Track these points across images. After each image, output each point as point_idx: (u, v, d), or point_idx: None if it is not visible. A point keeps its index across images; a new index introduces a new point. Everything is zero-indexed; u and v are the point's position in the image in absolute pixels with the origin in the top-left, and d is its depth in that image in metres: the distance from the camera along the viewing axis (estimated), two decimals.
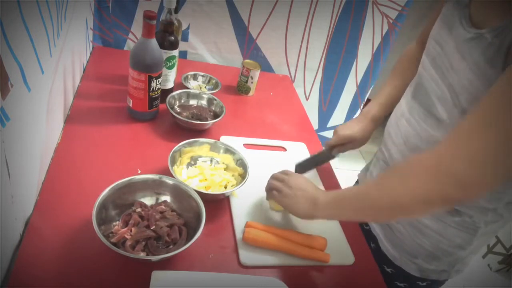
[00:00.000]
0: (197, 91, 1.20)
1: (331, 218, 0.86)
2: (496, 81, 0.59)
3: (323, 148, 1.04)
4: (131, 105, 1.06)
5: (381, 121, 0.98)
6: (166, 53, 1.07)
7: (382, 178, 0.72)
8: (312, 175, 1.08)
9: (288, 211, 0.83)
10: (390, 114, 0.96)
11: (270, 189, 0.85)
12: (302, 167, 1.01)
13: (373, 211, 0.71)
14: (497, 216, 0.78)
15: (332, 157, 1.03)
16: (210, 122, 1.10)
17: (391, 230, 0.90)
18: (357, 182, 1.10)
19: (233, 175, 0.96)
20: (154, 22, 0.94)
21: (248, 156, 0.98)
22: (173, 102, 1.13)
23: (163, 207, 0.80)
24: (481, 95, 0.63)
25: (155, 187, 0.83)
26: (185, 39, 1.47)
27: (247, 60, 1.39)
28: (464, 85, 0.68)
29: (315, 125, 1.82)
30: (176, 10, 1.15)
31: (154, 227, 0.75)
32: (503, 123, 0.55)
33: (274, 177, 0.86)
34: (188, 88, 1.24)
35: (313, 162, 1.04)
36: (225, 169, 0.98)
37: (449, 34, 0.74)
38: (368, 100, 1.27)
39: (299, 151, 1.17)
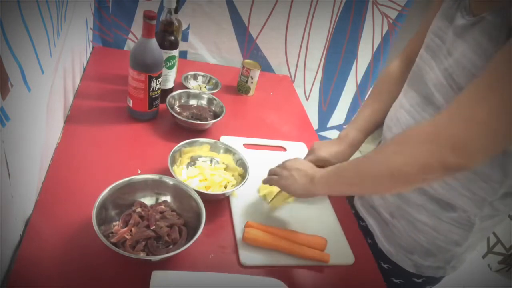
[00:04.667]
0: (197, 91, 1.20)
1: (329, 192, 0.85)
2: (495, 53, 0.59)
3: None
4: (131, 105, 1.06)
5: (359, 145, 0.95)
6: (166, 53, 1.07)
7: (380, 148, 0.70)
8: None
9: (287, 192, 0.84)
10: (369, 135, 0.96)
11: (270, 176, 0.87)
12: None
13: (371, 182, 0.70)
14: (493, 210, 0.78)
15: None
16: (210, 122, 1.10)
17: (387, 226, 0.90)
18: None
19: (233, 175, 0.96)
20: (154, 22, 0.94)
21: (248, 156, 0.98)
22: (173, 102, 1.13)
23: (163, 207, 0.80)
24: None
25: (155, 187, 0.83)
26: (185, 39, 1.47)
27: (247, 60, 1.39)
28: (464, 66, 0.68)
29: (315, 125, 1.82)
30: (176, 10, 1.15)
31: (154, 227, 0.75)
32: (503, 89, 0.55)
33: (272, 171, 0.89)
34: (188, 88, 1.24)
35: None
36: (225, 169, 0.98)
37: (448, 26, 0.75)
38: None
39: (299, 151, 1.17)
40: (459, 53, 0.70)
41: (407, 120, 0.82)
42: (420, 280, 0.90)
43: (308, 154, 0.97)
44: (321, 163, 0.93)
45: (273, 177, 0.86)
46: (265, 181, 0.89)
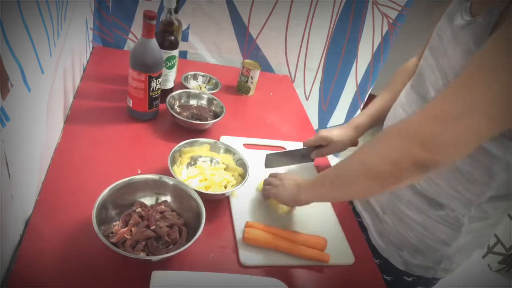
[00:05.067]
0: (197, 91, 1.20)
1: (316, 198, 0.83)
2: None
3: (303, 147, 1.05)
4: (131, 105, 1.06)
5: (364, 130, 0.99)
6: (166, 53, 1.07)
7: (359, 148, 0.71)
8: (311, 175, 1.07)
9: (277, 200, 0.88)
10: (378, 124, 0.98)
11: (265, 185, 0.92)
12: (273, 160, 0.97)
13: (350, 182, 0.71)
14: (481, 212, 0.78)
15: (310, 160, 1.04)
16: (210, 122, 1.10)
17: (379, 221, 0.91)
18: None
19: (233, 175, 0.96)
20: (154, 22, 0.94)
21: (248, 156, 0.98)
22: (173, 102, 1.13)
23: (163, 207, 0.80)
24: None
25: (155, 187, 0.83)
26: (185, 39, 1.47)
27: (247, 60, 1.39)
28: (454, 67, 0.70)
29: (315, 125, 1.82)
30: (176, 10, 1.15)
31: (154, 227, 0.75)
32: (475, 87, 0.55)
33: (269, 175, 0.94)
34: (188, 88, 1.24)
35: (288, 157, 0.99)
36: (225, 169, 0.98)
37: (449, 26, 0.75)
38: (370, 98, 1.28)
39: None
40: (452, 54, 0.71)
41: (401, 115, 0.83)
42: (410, 279, 0.90)
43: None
44: (324, 142, 1.00)
45: (267, 187, 0.91)
46: (263, 191, 0.94)
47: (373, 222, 0.94)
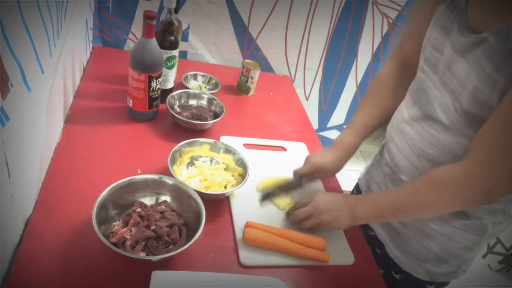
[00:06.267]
0: (197, 91, 1.20)
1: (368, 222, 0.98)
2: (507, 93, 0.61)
3: (292, 176, 0.97)
4: (131, 105, 1.06)
5: (355, 150, 0.95)
6: (166, 53, 1.07)
7: (416, 193, 0.75)
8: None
9: (327, 230, 0.86)
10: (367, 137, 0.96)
11: (299, 220, 0.86)
12: (268, 196, 0.93)
13: (405, 217, 0.84)
14: (505, 216, 0.79)
15: (301, 186, 0.97)
16: (210, 122, 1.10)
17: (398, 235, 0.89)
18: (357, 185, 1.10)
19: (233, 175, 0.96)
20: (154, 22, 0.94)
21: (248, 156, 0.98)
22: (173, 102, 1.13)
23: (163, 207, 0.80)
24: (488, 100, 0.64)
25: (155, 187, 0.83)
26: (185, 39, 1.47)
27: (247, 60, 1.39)
28: (466, 87, 0.68)
29: (315, 125, 1.82)
30: (176, 10, 1.15)
31: (154, 227, 0.75)
32: None
33: (299, 206, 0.87)
34: (188, 88, 1.24)
35: (280, 190, 0.94)
36: (225, 169, 0.98)
37: (446, 39, 0.73)
38: None
39: (299, 151, 1.17)
40: (461, 74, 0.69)
41: (411, 134, 0.81)
42: (432, 287, 0.90)
43: (304, 164, 0.95)
44: (318, 171, 0.94)
45: (309, 221, 0.84)
46: (299, 224, 0.87)
47: (391, 237, 0.91)
